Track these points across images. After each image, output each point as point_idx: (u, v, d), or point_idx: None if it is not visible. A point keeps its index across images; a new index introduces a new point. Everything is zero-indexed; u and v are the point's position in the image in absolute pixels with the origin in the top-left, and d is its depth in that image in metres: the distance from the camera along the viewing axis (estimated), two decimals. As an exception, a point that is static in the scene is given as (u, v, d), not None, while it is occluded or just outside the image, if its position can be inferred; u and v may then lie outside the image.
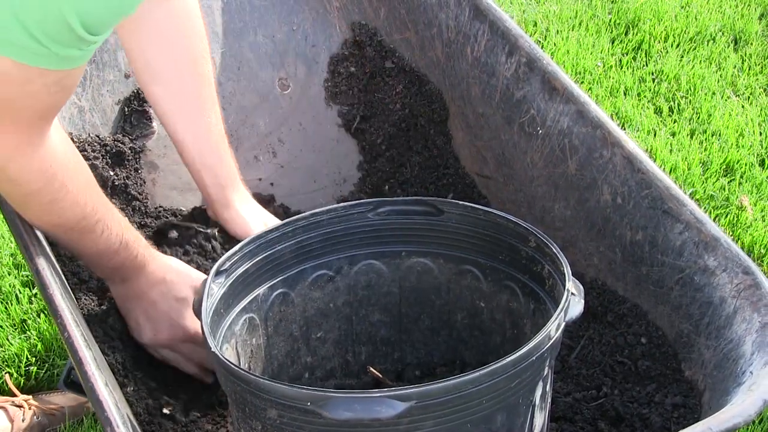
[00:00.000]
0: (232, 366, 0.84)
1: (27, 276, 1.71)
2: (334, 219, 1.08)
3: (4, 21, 0.73)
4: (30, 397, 1.47)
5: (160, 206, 1.33)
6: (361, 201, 1.10)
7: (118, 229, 1.02)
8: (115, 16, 0.79)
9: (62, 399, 1.49)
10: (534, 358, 0.84)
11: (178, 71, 1.20)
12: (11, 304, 1.64)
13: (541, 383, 0.88)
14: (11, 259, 1.74)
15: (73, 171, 0.96)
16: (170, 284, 1.09)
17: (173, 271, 1.10)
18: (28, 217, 0.98)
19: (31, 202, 0.95)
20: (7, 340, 1.58)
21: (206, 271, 1.12)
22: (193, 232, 1.23)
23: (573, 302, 0.92)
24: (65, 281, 1.03)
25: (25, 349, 1.55)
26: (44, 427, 1.46)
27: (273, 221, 1.26)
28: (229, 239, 1.25)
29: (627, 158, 1.16)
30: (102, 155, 1.28)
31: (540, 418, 0.91)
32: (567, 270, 0.94)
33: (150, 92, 1.21)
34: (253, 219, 1.26)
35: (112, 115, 1.36)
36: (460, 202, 1.08)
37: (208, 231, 1.24)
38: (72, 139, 1.27)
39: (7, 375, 1.50)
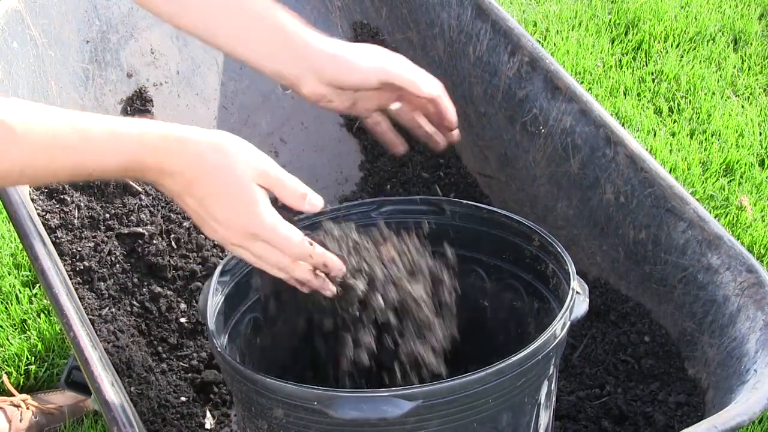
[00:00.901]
0: (239, 365, 0.84)
1: (27, 276, 1.70)
2: (337, 218, 1.08)
3: None
4: (28, 396, 1.46)
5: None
6: (365, 200, 1.10)
7: (93, 157, 0.77)
8: None
9: (61, 398, 1.49)
10: (540, 357, 0.84)
11: None
12: (11, 304, 1.64)
13: (546, 382, 0.88)
14: (11, 259, 1.73)
15: None
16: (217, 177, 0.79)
17: (219, 152, 0.79)
18: None
19: None
20: (7, 340, 1.57)
21: None
22: None
23: (578, 301, 0.92)
24: (69, 281, 1.03)
25: (25, 348, 1.55)
26: (42, 426, 1.45)
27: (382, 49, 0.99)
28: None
29: (630, 157, 1.16)
30: (104, 154, 1.27)
31: (545, 417, 0.91)
32: (571, 269, 0.94)
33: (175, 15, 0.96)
34: (361, 50, 0.97)
35: (115, 115, 1.36)
36: (464, 201, 1.08)
37: None
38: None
39: (5, 375, 1.50)
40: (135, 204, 1.29)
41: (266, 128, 1.49)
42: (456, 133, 1.03)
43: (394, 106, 1.04)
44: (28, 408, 1.44)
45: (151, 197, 1.31)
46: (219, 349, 0.87)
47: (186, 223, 1.30)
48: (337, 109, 1.00)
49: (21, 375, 1.53)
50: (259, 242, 0.82)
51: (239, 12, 0.96)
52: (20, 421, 1.42)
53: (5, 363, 1.54)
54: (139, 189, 1.31)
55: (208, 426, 1.13)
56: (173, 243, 1.27)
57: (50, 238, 1.17)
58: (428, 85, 0.97)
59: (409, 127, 1.06)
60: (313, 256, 0.85)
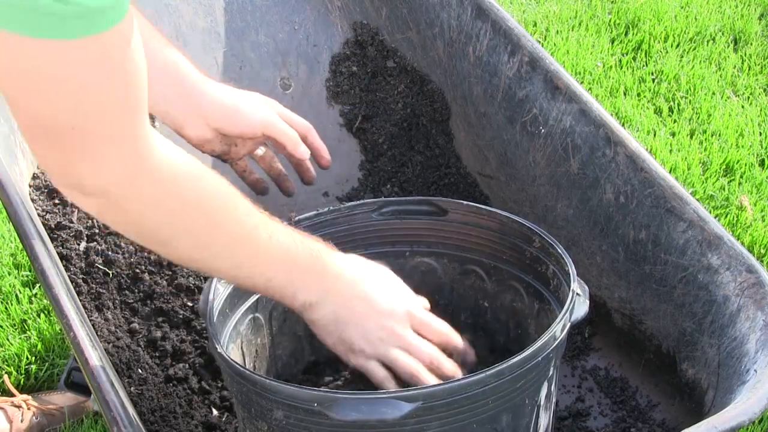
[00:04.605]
0: (239, 366, 0.84)
1: (27, 276, 1.71)
2: (337, 219, 1.08)
3: None
4: (29, 397, 1.47)
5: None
6: (365, 201, 1.10)
7: (284, 275, 0.83)
8: None
9: (61, 399, 1.49)
10: (540, 358, 0.84)
11: None
12: (11, 304, 1.64)
13: (546, 383, 0.88)
14: (11, 259, 1.73)
15: (211, 201, 0.76)
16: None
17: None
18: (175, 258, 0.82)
19: (154, 237, 0.77)
20: (7, 340, 1.58)
21: None
22: None
23: (578, 302, 0.92)
24: (69, 281, 1.03)
25: (25, 348, 1.55)
26: (43, 427, 1.46)
27: (266, 98, 1.07)
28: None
29: (630, 157, 1.16)
30: (104, 155, 1.27)
31: (545, 419, 0.91)
32: (572, 270, 0.94)
33: None
34: (249, 102, 1.05)
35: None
36: (464, 202, 1.08)
37: None
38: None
39: (6, 376, 1.50)
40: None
41: (266, 128, 1.49)
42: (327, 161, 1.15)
43: (259, 150, 1.14)
44: (29, 408, 1.44)
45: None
46: (219, 350, 0.87)
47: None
48: (213, 152, 1.07)
49: (21, 375, 1.53)
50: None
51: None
52: (21, 421, 1.42)
53: (5, 363, 1.54)
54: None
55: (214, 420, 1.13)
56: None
57: (50, 237, 1.17)
58: (302, 148, 1.09)
59: (265, 170, 1.17)
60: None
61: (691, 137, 2.12)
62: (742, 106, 2.21)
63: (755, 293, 1.00)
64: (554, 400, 0.93)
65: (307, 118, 1.50)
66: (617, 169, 1.17)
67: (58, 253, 1.13)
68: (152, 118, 1.27)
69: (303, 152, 1.08)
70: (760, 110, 2.20)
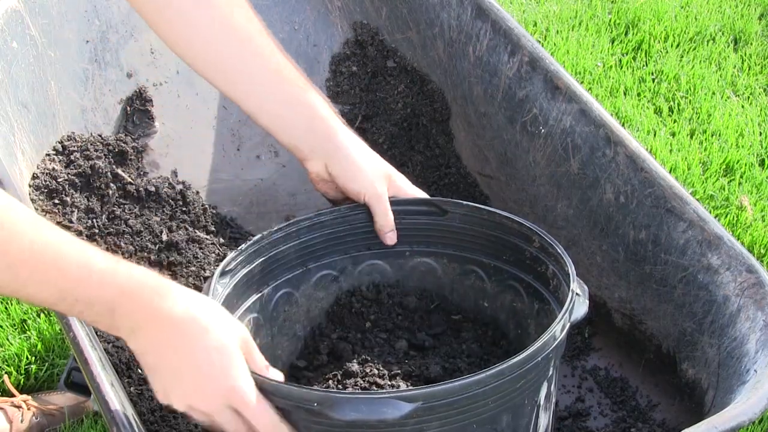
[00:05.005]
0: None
1: (27, 276, 1.70)
2: (337, 219, 1.08)
3: None
4: (29, 397, 1.47)
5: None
6: (365, 201, 1.10)
7: (99, 302, 0.76)
8: None
9: (61, 399, 1.49)
10: (539, 359, 0.84)
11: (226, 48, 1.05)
12: (11, 304, 1.64)
13: (545, 384, 0.88)
14: (11, 258, 1.73)
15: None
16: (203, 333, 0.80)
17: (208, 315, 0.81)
18: None
19: None
20: (7, 340, 1.58)
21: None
22: None
23: (578, 303, 0.92)
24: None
25: (25, 348, 1.55)
26: (43, 427, 1.46)
27: (389, 169, 1.09)
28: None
29: (630, 157, 1.16)
30: (105, 155, 1.27)
31: (544, 419, 0.91)
32: (571, 270, 0.94)
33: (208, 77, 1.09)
34: (370, 166, 1.06)
35: (114, 115, 1.36)
36: (464, 202, 1.08)
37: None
38: (74, 138, 1.27)
39: (6, 376, 1.50)
40: (136, 206, 1.29)
41: (266, 128, 1.49)
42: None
43: None
44: (29, 409, 1.44)
45: (151, 198, 1.31)
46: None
47: (189, 229, 1.30)
48: (327, 195, 1.11)
49: (21, 375, 1.53)
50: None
51: (276, 89, 1.05)
52: (21, 421, 1.43)
53: (5, 363, 1.54)
54: (141, 189, 1.31)
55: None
56: (173, 243, 1.27)
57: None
58: (390, 236, 1.08)
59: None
60: None
61: (691, 137, 2.12)
62: (742, 106, 2.21)
63: (755, 293, 1.00)
64: (554, 400, 0.93)
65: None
66: (617, 169, 1.17)
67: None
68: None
69: (387, 238, 1.09)
70: (760, 110, 2.20)
